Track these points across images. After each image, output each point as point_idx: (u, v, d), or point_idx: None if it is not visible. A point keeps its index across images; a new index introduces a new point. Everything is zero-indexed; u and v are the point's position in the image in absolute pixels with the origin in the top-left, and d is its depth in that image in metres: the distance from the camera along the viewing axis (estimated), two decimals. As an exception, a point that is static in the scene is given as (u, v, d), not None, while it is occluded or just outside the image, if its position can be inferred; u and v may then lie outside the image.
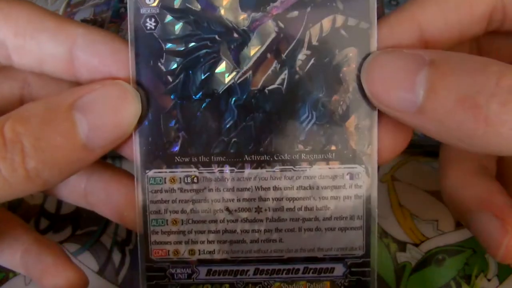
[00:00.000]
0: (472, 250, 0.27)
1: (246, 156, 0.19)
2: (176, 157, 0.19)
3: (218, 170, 0.19)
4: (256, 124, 0.19)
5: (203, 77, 0.19)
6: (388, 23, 0.18)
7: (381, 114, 0.18)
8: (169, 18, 0.18)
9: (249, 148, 0.19)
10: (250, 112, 0.19)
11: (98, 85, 0.18)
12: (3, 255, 0.23)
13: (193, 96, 0.19)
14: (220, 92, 0.19)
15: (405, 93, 0.16)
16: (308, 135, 0.19)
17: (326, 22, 0.18)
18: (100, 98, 0.18)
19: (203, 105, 0.19)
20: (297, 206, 0.19)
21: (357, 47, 0.18)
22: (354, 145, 0.19)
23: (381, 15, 0.18)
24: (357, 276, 0.20)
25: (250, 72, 0.19)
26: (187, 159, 0.19)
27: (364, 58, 0.18)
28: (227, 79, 0.19)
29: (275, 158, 0.19)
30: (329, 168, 0.19)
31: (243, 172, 0.19)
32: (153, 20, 0.18)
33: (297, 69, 0.18)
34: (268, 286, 0.20)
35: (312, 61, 0.18)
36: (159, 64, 0.18)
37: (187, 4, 0.18)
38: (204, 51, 0.18)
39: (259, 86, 0.19)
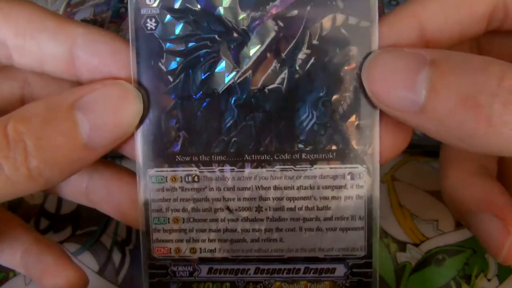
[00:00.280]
0: (472, 250, 0.27)
1: (246, 155, 0.19)
2: (177, 156, 0.19)
3: (219, 170, 0.19)
4: (256, 124, 0.19)
5: (203, 77, 0.19)
6: (389, 21, 0.18)
7: (381, 113, 0.18)
8: (169, 18, 0.18)
9: (249, 147, 0.19)
10: (250, 111, 0.19)
11: (99, 85, 0.18)
12: (3, 255, 0.23)
13: (193, 96, 0.19)
14: (220, 92, 0.19)
15: (406, 93, 0.16)
16: (309, 134, 0.19)
17: (326, 21, 0.18)
18: (101, 97, 0.18)
19: (203, 104, 0.19)
20: (297, 205, 0.19)
21: (358, 46, 0.18)
22: (355, 144, 0.19)
23: (381, 15, 0.18)
24: (359, 277, 0.20)
25: (250, 71, 0.19)
26: (187, 158, 0.19)
27: (365, 57, 0.18)
28: (227, 78, 0.19)
29: (275, 158, 0.19)
30: (330, 168, 0.19)
31: (243, 171, 0.19)
32: (153, 20, 0.18)
33: (297, 68, 0.18)
34: (269, 285, 0.20)
35: (312, 60, 0.18)
36: (160, 64, 0.19)
37: (187, 4, 0.18)
38: (204, 51, 0.18)
39: (259, 86, 0.19)
